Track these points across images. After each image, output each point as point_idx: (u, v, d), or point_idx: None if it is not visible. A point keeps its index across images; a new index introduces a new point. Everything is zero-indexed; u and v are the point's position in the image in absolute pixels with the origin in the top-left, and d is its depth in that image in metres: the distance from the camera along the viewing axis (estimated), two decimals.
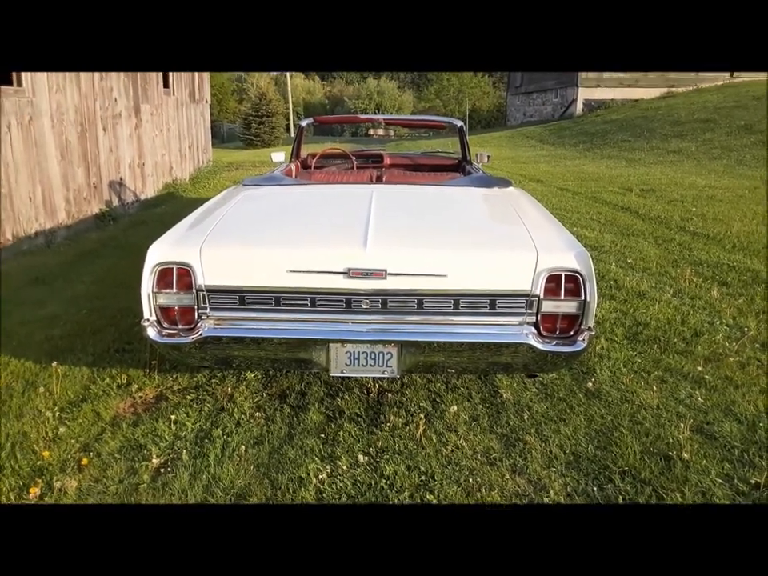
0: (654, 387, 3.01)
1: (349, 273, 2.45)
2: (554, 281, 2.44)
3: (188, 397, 3.09)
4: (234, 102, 45.18)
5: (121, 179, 8.07)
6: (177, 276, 2.53)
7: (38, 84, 6.12)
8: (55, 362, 3.30)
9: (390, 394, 3.06)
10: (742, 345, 3.48)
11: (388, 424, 2.80)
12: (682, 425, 2.66)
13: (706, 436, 2.63)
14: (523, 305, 2.47)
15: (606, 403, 2.92)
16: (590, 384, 3.07)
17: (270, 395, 3.11)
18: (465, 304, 2.49)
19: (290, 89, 39.56)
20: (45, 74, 6.18)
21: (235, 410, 2.95)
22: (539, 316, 2.47)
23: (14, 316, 4.28)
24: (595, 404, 2.91)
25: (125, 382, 3.24)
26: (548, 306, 2.46)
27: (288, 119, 34.60)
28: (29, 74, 5.92)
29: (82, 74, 6.92)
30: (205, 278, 2.51)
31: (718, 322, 3.84)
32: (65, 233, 6.70)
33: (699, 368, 3.21)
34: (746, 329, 3.70)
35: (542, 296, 2.44)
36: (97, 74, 7.25)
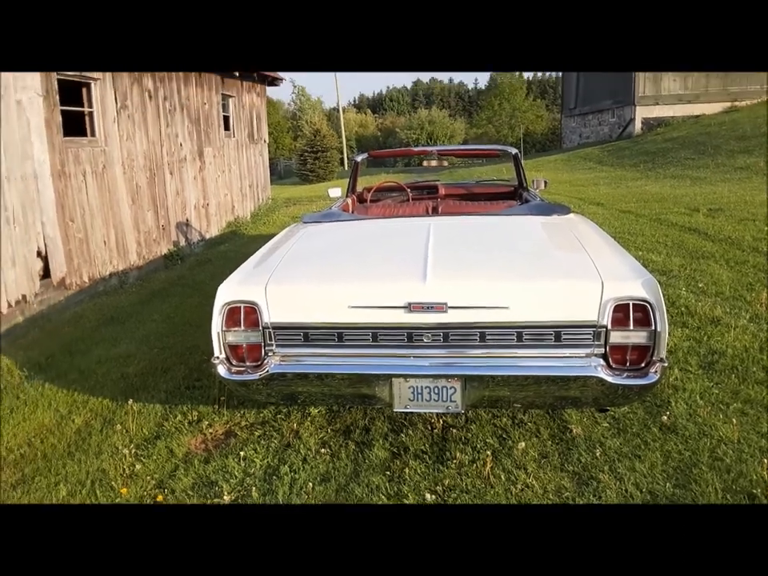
0: (734, 420, 2.85)
1: (409, 307, 2.46)
2: (621, 310, 2.37)
3: (255, 433, 3.15)
4: (290, 139, 46.58)
5: (187, 220, 8.43)
6: (244, 314, 2.61)
7: (110, 133, 6.52)
8: (131, 400, 3.44)
9: (454, 430, 3.02)
10: None
11: (454, 461, 2.76)
12: (766, 460, 2.50)
13: None
14: (590, 336, 2.41)
15: (683, 438, 2.78)
16: (665, 417, 2.94)
17: (335, 431, 3.13)
18: (528, 336, 2.45)
19: (342, 123, 40.51)
20: (116, 124, 6.58)
21: (301, 446, 2.98)
22: (608, 347, 2.40)
23: (92, 355, 4.50)
24: (671, 439, 2.79)
25: (195, 418, 3.33)
26: (616, 337, 2.39)
27: (342, 153, 35.35)
28: (101, 125, 6.32)
29: (150, 122, 7.33)
30: (270, 315, 2.58)
31: None
32: (136, 273, 7.04)
33: None
34: None
35: (609, 326, 2.37)
36: (163, 121, 7.66)
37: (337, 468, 2.80)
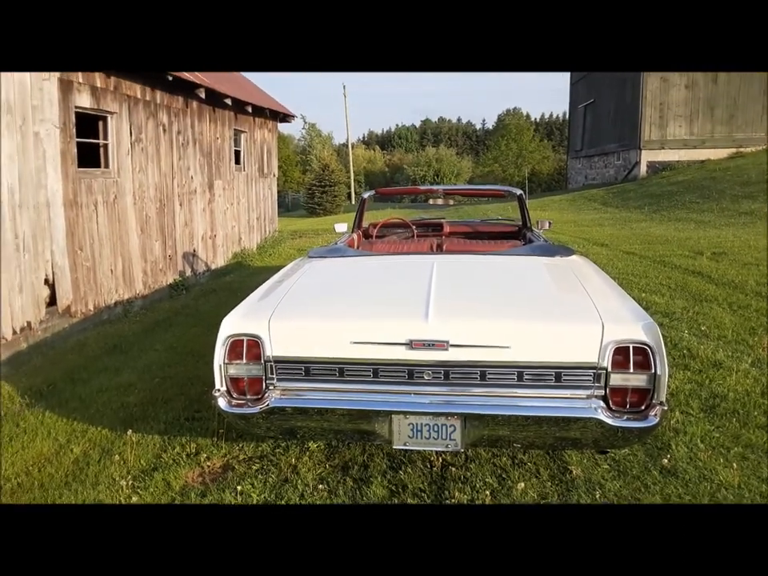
0: (735, 465, 2.83)
1: (411, 344, 2.48)
2: (621, 353, 2.38)
3: (253, 467, 3.13)
4: (299, 173, 47.22)
5: (194, 250, 8.52)
6: (247, 347, 2.63)
7: (123, 165, 6.66)
8: (130, 431, 3.44)
9: (453, 468, 3.01)
10: None
11: (453, 500, 2.73)
12: None
13: None
14: (590, 378, 2.42)
15: (683, 482, 2.76)
16: (666, 461, 2.92)
17: (333, 467, 3.11)
18: (529, 376, 2.46)
19: (351, 158, 41.16)
20: (129, 156, 6.72)
21: (299, 481, 2.97)
22: (608, 389, 2.41)
23: (93, 383, 4.51)
24: (672, 482, 2.76)
25: (194, 450, 3.32)
26: (616, 380, 2.40)
27: (349, 188, 35.82)
28: (115, 157, 6.46)
29: (163, 155, 7.49)
30: (273, 349, 2.60)
31: None
32: (141, 302, 7.09)
33: None
34: None
35: (609, 369, 2.38)
36: (176, 154, 7.82)
37: None
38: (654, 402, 2.38)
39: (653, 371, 2.36)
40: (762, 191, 14.72)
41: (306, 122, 52.76)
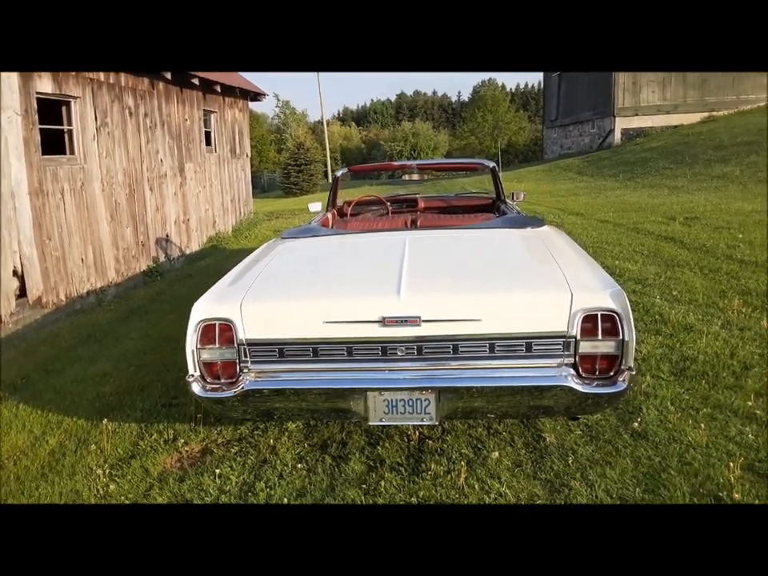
0: (703, 425, 2.90)
1: (383, 321, 2.48)
2: (590, 321, 2.41)
3: (232, 450, 3.14)
4: (274, 152, 46.66)
5: (167, 236, 8.41)
6: (219, 331, 2.61)
7: (89, 151, 6.51)
8: (105, 420, 3.42)
9: (430, 441, 3.04)
10: None
11: (429, 472, 2.77)
12: (732, 464, 2.55)
13: (758, 474, 2.52)
14: (560, 346, 2.44)
15: (653, 444, 2.82)
16: (636, 424, 2.98)
17: (312, 446, 3.13)
18: (501, 348, 2.48)
19: (326, 136, 40.69)
20: (95, 141, 6.57)
21: (278, 461, 2.98)
22: (577, 357, 2.44)
23: (67, 374, 4.47)
24: (642, 445, 2.82)
25: (171, 436, 3.32)
26: (586, 347, 2.43)
27: (326, 166, 35.48)
28: (81, 142, 6.31)
29: (130, 139, 7.33)
30: (245, 332, 2.59)
31: None
32: (114, 291, 7.00)
33: (749, 403, 3.08)
34: None
35: (578, 337, 2.41)
36: (143, 138, 7.66)
37: (313, 483, 2.79)
38: (622, 367, 2.42)
39: (621, 337, 2.39)
40: (734, 154, 14.88)
41: (279, 100, 52.03)
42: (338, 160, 53.77)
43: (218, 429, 3.36)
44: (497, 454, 2.83)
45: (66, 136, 6.31)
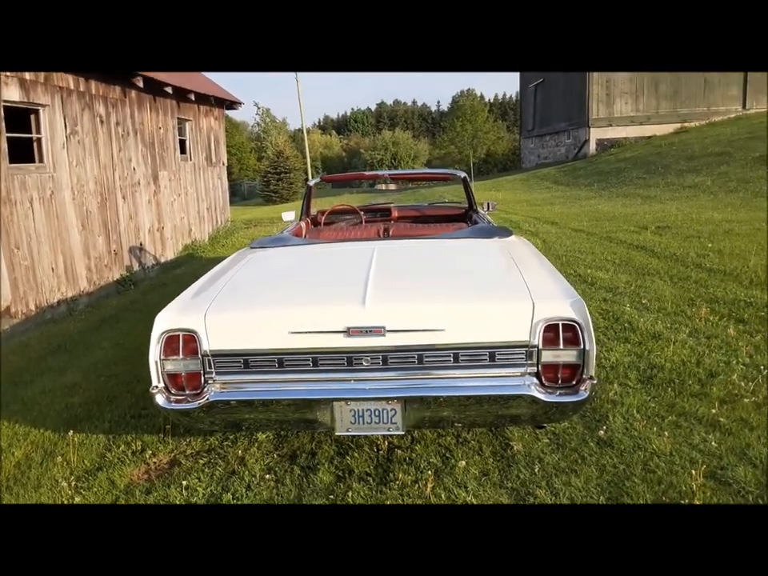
0: (667, 433, 2.95)
1: (348, 331, 2.49)
2: (551, 330, 2.44)
3: (200, 461, 3.11)
4: (254, 160, 46.51)
5: (141, 244, 8.34)
6: (183, 342, 2.59)
7: (58, 159, 6.44)
8: (71, 431, 3.37)
9: (399, 451, 3.04)
10: (758, 384, 3.40)
11: (397, 482, 2.77)
12: (694, 471, 2.59)
13: (720, 482, 2.56)
14: (523, 356, 2.47)
15: (618, 452, 2.86)
16: (602, 432, 3.02)
17: (281, 456, 3.12)
18: (464, 357, 2.50)
19: (307, 144, 40.68)
20: (65, 150, 6.50)
21: (246, 472, 2.96)
22: (540, 366, 2.47)
23: (35, 385, 4.40)
24: (607, 453, 2.86)
25: (139, 448, 3.28)
26: (548, 356, 2.46)
27: (306, 174, 35.47)
28: (50, 151, 6.24)
29: (102, 147, 7.26)
30: (210, 343, 2.57)
31: (734, 362, 3.76)
32: (86, 300, 6.91)
33: (713, 411, 3.13)
34: (762, 367, 3.62)
35: (540, 346, 2.44)
36: (115, 146, 7.60)
37: (280, 494, 2.78)
38: (584, 376, 2.46)
39: (582, 347, 2.43)
40: (705, 165, 15.18)
41: (259, 108, 51.92)
42: (319, 168, 53.76)
43: (187, 440, 3.33)
44: (464, 462, 2.84)
45: (35, 144, 6.23)
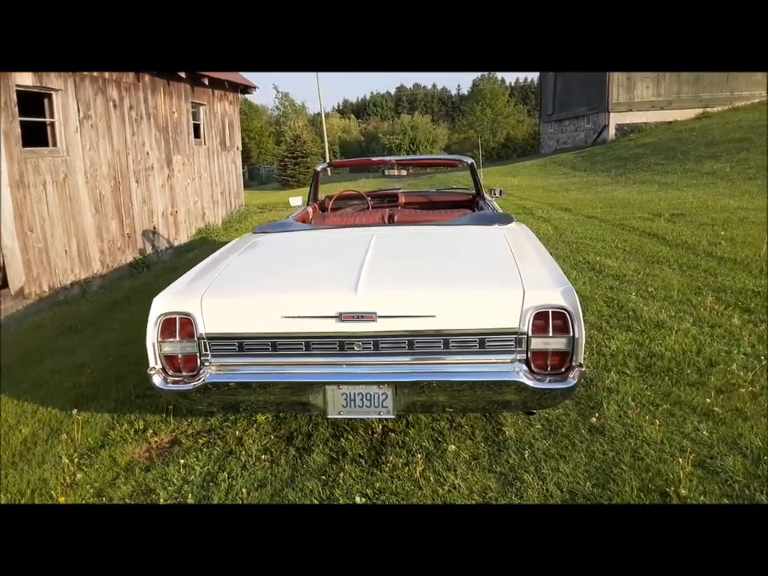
0: (658, 421, 2.95)
1: (340, 317, 2.52)
2: (541, 318, 2.45)
3: (200, 441, 3.18)
4: (273, 144, 46.51)
5: (154, 228, 8.44)
6: (179, 325, 2.65)
7: (71, 143, 6.53)
8: (75, 410, 3.47)
9: (393, 434, 3.09)
10: (757, 374, 3.38)
11: (388, 464, 2.82)
12: (682, 460, 2.60)
13: (708, 471, 2.57)
14: (512, 343, 2.49)
15: (609, 439, 2.87)
16: (594, 419, 3.03)
17: (278, 437, 3.18)
18: (455, 343, 2.52)
19: (325, 128, 40.58)
20: (78, 134, 6.59)
21: (243, 452, 3.03)
22: (529, 353, 2.48)
23: (45, 364, 4.51)
24: (598, 440, 2.87)
25: (142, 427, 3.36)
26: (537, 344, 2.47)
27: (324, 158, 35.44)
28: (63, 135, 6.33)
29: (115, 131, 7.34)
30: (206, 326, 2.63)
31: (735, 351, 3.74)
32: (100, 282, 7.04)
33: (709, 400, 3.13)
34: (762, 357, 3.59)
35: (530, 333, 2.45)
36: (129, 130, 7.68)
37: (275, 474, 2.84)
38: (573, 364, 2.47)
39: (571, 335, 2.44)
40: (725, 151, 14.89)
41: (278, 92, 51.89)
42: (337, 152, 53.65)
43: (189, 420, 3.41)
44: (453, 447, 2.88)
45: (49, 128, 6.33)
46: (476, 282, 2.67)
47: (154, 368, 2.70)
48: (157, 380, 2.68)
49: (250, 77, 12.92)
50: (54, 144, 6.32)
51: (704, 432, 2.85)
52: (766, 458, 2.61)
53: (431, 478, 2.69)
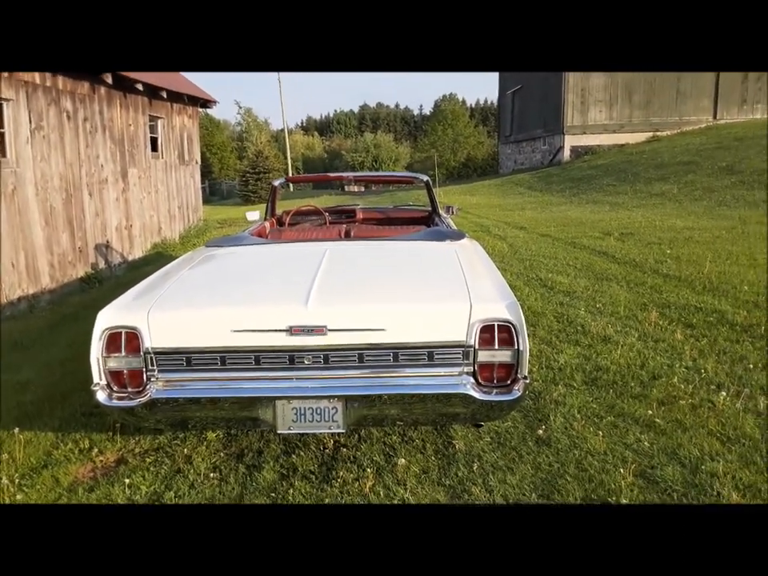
0: (602, 433, 3.03)
1: (290, 330, 2.52)
2: (487, 331, 2.51)
3: (147, 459, 3.12)
4: (235, 159, 46.25)
5: (107, 242, 8.27)
6: (125, 339, 2.61)
7: (22, 154, 6.37)
8: (17, 429, 3.35)
9: (345, 449, 3.09)
10: (696, 387, 3.51)
11: (339, 480, 2.81)
12: (624, 470, 2.67)
13: (648, 480, 2.65)
14: (460, 355, 2.53)
15: (555, 450, 2.94)
16: (541, 431, 3.09)
17: (229, 455, 3.14)
18: (404, 357, 2.55)
19: (288, 144, 40.57)
20: (29, 145, 6.43)
21: (191, 471, 2.98)
22: (476, 366, 2.53)
23: None
24: (544, 452, 2.93)
25: (87, 446, 3.27)
26: (484, 356, 2.53)
27: (287, 173, 35.35)
28: (13, 146, 6.18)
29: (68, 143, 7.20)
30: (152, 340, 2.59)
31: (677, 365, 3.87)
32: (49, 297, 6.84)
33: (651, 412, 3.23)
34: (702, 370, 3.73)
35: (477, 346, 2.50)
36: (83, 142, 7.53)
37: (223, 492, 2.80)
38: (518, 376, 2.53)
39: (516, 347, 2.50)
40: (673, 173, 15.48)
41: (240, 107, 51.70)
42: (300, 169, 53.66)
43: (136, 439, 3.34)
44: (403, 461, 2.89)
45: None
46: (425, 295, 2.71)
47: (98, 384, 2.64)
48: (101, 396, 2.63)
49: (210, 91, 12.86)
50: (4, 155, 6.16)
51: (645, 443, 2.94)
52: (703, 467, 2.70)
53: (381, 493, 2.70)
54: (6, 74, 5.98)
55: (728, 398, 3.35)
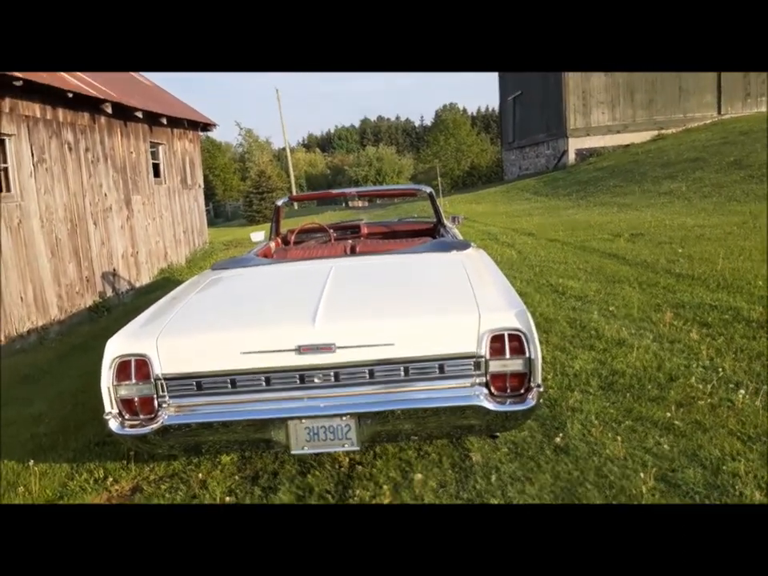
0: (620, 438, 2.97)
1: (299, 349, 2.50)
2: (498, 341, 2.47)
3: (162, 486, 3.09)
4: (238, 180, 46.60)
5: (114, 270, 8.31)
6: (135, 367, 2.60)
7: (26, 187, 6.44)
8: (32, 461, 3.34)
9: (360, 467, 3.05)
10: (715, 387, 3.44)
11: (355, 498, 2.77)
12: (644, 475, 2.61)
13: (669, 484, 2.58)
14: (471, 367, 2.50)
15: (573, 458, 2.88)
16: (559, 439, 3.04)
17: (244, 478, 3.11)
18: (415, 371, 2.52)
19: (290, 162, 40.82)
20: (33, 178, 6.49)
21: (207, 496, 2.94)
22: (488, 376, 2.49)
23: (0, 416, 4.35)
24: (563, 460, 2.88)
25: (102, 475, 3.26)
26: (495, 366, 2.49)
27: (290, 192, 35.57)
28: (17, 180, 6.24)
29: (70, 174, 7.27)
30: (162, 367, 2.58)
31: (694, 365, 3.80)
32: (58, 328, 6.87)
33: (669, 414, 3.17)
34: (720, 369, 3.66)
35: (488, 356, 2.47)
36: (85, 173, 7.60)
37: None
38: (531, 384, 2.48)
39: (527, 356, 2.46)
40: (680, 171, 15.37)
41: (241, 128, 52.21)
42: (303, 186, 54.00)
43: (151, 466, 3.32)
44: (420, 475, 2.85)
45: (1, 174, 6.23)
46: (433, 308, 2.68)
47: (110, 413, 2.63)
48: (113, 425, 2.61)
49: (210, 113, 12.98)
50: (8, 189, 6.22)
51: (665, 446, 2.88)
52: (725, 467, 2.64)
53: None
54: (6, 110, 6.05)
55: (747, 396, 3.28)
